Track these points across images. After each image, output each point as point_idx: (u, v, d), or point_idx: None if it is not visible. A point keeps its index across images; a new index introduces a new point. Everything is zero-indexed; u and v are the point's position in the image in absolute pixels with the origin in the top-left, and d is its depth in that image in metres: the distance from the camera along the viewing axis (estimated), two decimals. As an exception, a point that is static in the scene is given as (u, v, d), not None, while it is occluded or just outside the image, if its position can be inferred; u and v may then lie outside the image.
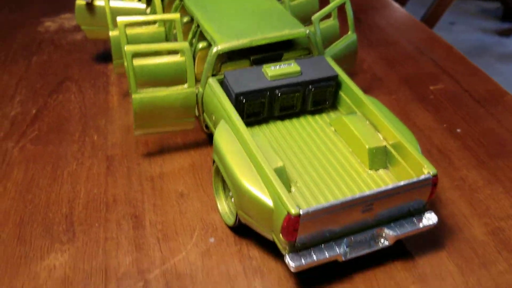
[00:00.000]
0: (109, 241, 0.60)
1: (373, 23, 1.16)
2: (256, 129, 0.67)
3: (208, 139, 0.76)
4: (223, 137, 0.61)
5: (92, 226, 0.62)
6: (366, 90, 0.89)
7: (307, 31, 0.70)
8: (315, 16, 0.74)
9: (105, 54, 0.99)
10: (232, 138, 0.61)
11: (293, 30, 0.70)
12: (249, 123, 0.67)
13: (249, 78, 0.66)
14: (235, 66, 0.70)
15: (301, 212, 0.50)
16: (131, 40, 0.76)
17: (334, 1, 0.79)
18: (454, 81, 0.93)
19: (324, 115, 0.70)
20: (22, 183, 0.69)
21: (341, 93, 0.70)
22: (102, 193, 0.67)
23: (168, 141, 0.76)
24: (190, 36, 0.75)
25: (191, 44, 0.75)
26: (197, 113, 0.72)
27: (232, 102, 0.64)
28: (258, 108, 0.66)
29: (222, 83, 0.67)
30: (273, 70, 0.66)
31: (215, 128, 0.67)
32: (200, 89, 0.69)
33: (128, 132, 0.79)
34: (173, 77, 0.71)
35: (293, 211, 0.49)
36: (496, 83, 0.93)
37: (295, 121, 0.69)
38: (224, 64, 0.69)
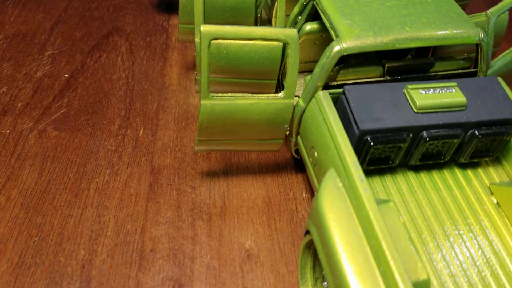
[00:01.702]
0: (137, 329, 0.39)
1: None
2: (377, 182, 0.43)
3: (295, 163, 0.53)
4: (332, 203, 0.37)
5: (117, 295, 0.41)
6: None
7: (481, 35, 0.43)
8: (493, 10, 0.46)
9: (169, 0, 0.74)
10: (346, 208, 0.37)
11: (461, 30, 0.43)
12: (368, 171, 0.43)
13: (383, 102, 0.41)
14: (359, 75, 0.44)
15: None
16: (208, 2, 0.51)
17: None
18: None
19: (481, 172, 0.44)
20: (33, 192, 0.48)
21: (514, 143, 0.44)
22: (138, 233, 0.45)
23: (237, 157, 0.53)
24: (295, 10, 0.49)
25: (294, 22, 0.49)
26: (287, 131, 0.48)
27: (351, 139, 0.40)
28: (388, 153, 0.41)
29: (338, 102, 0.42)
30: (423, 97, 0.40)
31: (313, 167, 0.43)
32: (301, 103, 0.45)
33: (185, 129, 0.55)
34: (262, 69, 0.46)
35: None
36: None
37: (435, 174, 0.43)
38: (343, 70, 0.44)
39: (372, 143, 0.39)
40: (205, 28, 0.40)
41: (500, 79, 0.44)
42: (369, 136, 0.39)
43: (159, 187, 0.49)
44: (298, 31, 0.48)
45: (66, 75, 0.61)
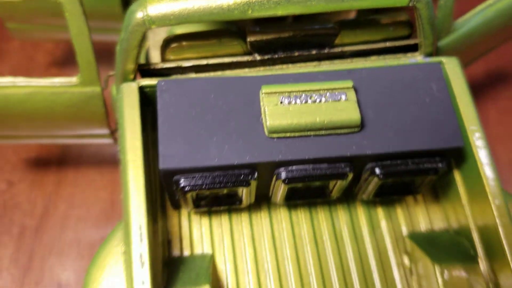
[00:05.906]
0: None
1: None
2: (225, 220, 0.27)
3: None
4: (100, 279, 0.23)
5: None
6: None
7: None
8: None
9: None
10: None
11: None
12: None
13: (217, 114, 0.23)
14: (204, 52, 0.26)
15: None
16: None
17: None
18: None
19: (398, 210, 0.28)
20: None
21: (458, 175, 0.26)
22: None
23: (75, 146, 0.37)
24: None
25: None
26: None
27: (161, 179, 0.23)
28: (229, 192, 0.25)
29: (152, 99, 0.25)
30: (283, 110, 0.22)
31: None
32: (114, 91, 0.28)
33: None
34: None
35: None
36: None
37: (321, 213, 0.27)
38: (175, 44, 0.26)
39: (187, 189, 0.23)
40: None
41: (451, 66, 0.25)
42: (182, 177, 0.23)
43: (-38, 182, 0.36)
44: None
45: None
